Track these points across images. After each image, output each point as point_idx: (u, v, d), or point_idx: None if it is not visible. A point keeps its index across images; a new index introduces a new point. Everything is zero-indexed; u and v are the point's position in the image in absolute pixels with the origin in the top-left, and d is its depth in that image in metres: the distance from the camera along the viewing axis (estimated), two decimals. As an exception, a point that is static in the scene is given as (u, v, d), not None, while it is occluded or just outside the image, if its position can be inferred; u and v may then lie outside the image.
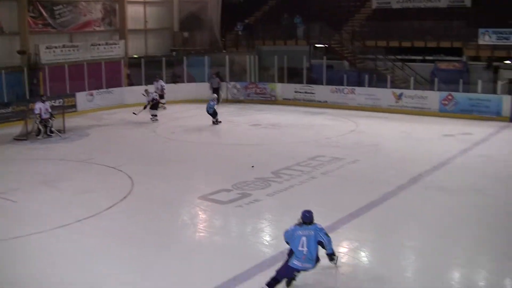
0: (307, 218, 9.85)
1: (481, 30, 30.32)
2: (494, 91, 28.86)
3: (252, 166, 17.52)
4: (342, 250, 11.45)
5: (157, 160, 19.41)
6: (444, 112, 28.63)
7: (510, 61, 31.38)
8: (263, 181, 16.29)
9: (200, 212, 14.32)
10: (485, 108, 28.15)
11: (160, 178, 17.19)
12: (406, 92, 30.14)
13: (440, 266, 10.82)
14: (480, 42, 30.81)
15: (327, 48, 34.89)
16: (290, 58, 33.19)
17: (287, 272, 9.80)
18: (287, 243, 9.83)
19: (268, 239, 12.37)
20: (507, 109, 27.73)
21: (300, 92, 32.69)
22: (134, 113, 27.22)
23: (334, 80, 32.33)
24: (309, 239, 9.68)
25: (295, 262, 9.67)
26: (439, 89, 29.47)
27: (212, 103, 26.20)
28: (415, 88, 30.54)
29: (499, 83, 29.29)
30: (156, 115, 27.17)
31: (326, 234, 9.88)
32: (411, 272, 11.09)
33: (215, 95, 28.60)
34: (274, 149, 21.05)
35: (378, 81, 31.82)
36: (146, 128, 25.42)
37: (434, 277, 10.37)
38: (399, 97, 30.02)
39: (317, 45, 35.82)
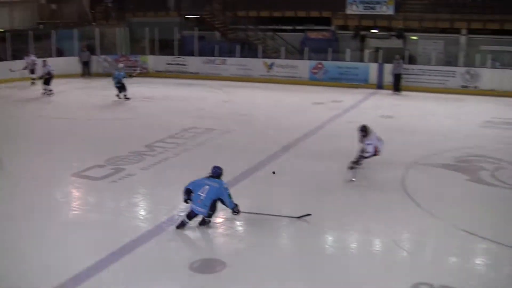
0: (215, 173, 10.98)
1: (348, 0, 31.09)
2: (362, 60, 29.86)
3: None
4: (219, 220, 11.53)
5: (27, 139, 18.66)
6: (314, 80, 29.33)
7: (376, 30, 32.40)
8: (137, 155, 16.10)
9: (73, 190, 13.98)
10: (353, 76, 29.09)
11: (31, 157, 16.63)
12: (277, 61, 30.62)
13: (312, 230, 11.09)
14: (348, 11, 31.62)
15: (198, 19, 34.79)
16: (161, 30, 32.94)
17: (191, 214, 10.94)
18: (188, 190, 10.93)
19: (144, 213, 12.28)
20: (374, 77, 28.79)
21: (172, 64, 32.55)
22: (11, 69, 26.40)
23: (206, 51, 32.41)
24: (210, 189, 10.75)
25: (193, 205, 10.82)
26: (309, 58, 30.11)
27: (118, 73, 25.35)
28: (286, 58, 31.08)
29: (366, 51, 30.33)
30: (51, 90, 26.38)
31: (229, 196, 10.83)
32: (286, 238, 11.31)
33: (122, 65, 27.67)
34: (148, 122, 20.83)
35: (250, 51, 32.11)
36: (17, 105, 24.49)
37: (309, 242, 10.61)
38: (270, 66, 30.45)
39: (188, 16, 35.63)
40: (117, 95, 25.08)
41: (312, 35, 32.95)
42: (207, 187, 10.80)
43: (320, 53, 30.39)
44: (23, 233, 11.08)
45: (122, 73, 25.26)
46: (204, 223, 11.12)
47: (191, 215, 10.97)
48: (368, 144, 13.75)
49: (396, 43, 32.04)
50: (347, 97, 24.92)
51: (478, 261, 10.07)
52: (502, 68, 28.71)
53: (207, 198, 10.77)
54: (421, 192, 13.33)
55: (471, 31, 31.63)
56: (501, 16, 30.80)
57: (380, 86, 28.82)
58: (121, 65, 27.07)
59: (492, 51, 29.61)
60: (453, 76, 28.58)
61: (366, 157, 14.06)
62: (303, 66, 30.04)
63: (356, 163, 14.04)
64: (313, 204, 12.42)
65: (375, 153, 14.05)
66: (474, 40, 31.40)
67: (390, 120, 21.45)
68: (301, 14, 33.77)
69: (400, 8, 32.29)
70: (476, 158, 16.05)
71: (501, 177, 14.59)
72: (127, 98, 25.03)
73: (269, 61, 30.72)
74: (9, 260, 9.81)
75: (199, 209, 10.84)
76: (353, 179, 13.66)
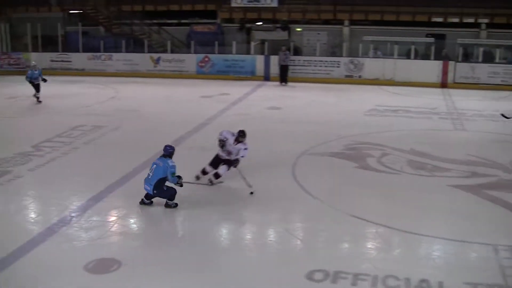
0: (166, 151, 11.71)
1: (233, -7, 31.29)
2: (248, 52, 30.07)
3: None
4: (112, 219, 11.40)
5: None
6: (201, 74, 29.36)
7: (261, 22, 32.77)
8: (23, 156, 15.61)
9: None
10: (240, 68, 29.29)
11: None
12: (163, 56, 30.45)
13: (205, 223, 11.14)
14: (233, 4, 31.80)
15: (81, 14, 34.07)
16: (44, 26, 32.00)
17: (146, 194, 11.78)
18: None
19: (34, 216, 11.96)
20: (260, 69, 29.10)
21: (56, 61, 31.71)
22: None
23: (91, 47, 31.76)
24: (156, 168, 11.49)
25: (144, 184, 11.65)
26: (196, 52, 30.09)
27: (31, 72, 23.37)
28: (172, 52, 30.92)
29: (252, 44, 30.57)
30: None
31: (172, 174, 11.41)
32: (181, 233, 11.31)
33: (35, 62, 25.35)
34: (34, 122, 20.28)
35: (136, 46, 31.77)
36: None
37: (201, 235, 10.63)
38: (156, 61, 30.24)
39: (71, 12, 34.83)
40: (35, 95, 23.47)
41: (198, 28, 32.99)
42: (154, 166, 11.56)
43: (206, 46, 30.44)
44: None
45: (37, 72, 23.45)
46: (168, 205, 11.76)
47: (146, 195, 11.75)
48: (245, 148, 13.57)
49: (281, 35, 32.53)
50: (235, 89, 25.10)
51: (369, 245, 10.37)
52: (384, 58, 29.64)
53: (154, 176, 11.45)
54: (311, 181, 13.62)
55: (353, 22, 32.51)
56: (381, 7, 31.83)
57: (267, 78, 29.16)
58: (34, 62, 25.29)
59: (374, 41, 30.58)
60: (337, 66, 29.28)
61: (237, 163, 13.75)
62: (190, 60, 29.99)
63: (234, 165, 13.67)
64: (206, 196, 12.50)
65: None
66: (357, 30, 32.33)
67: (278, 111, 21.79)
68: (186, 7, 33.67)
69: (284, 0, 32.78)
70: (362, 145, 16.53)
71: (387, 163, 15.10)
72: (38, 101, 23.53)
73: (155, 55, 30.48)
74: None
75: (146, 186, 11.60)
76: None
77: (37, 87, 23.33)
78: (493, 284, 8.84)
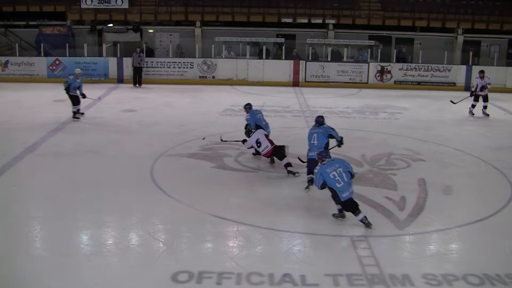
0: (318, 120, 13.63)
1: (83, -6, 30.71)
2: (100, 54, 29.62)
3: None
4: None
5: None
6: (53, 77, 28.56)
7: (112, 24, 32.36)
8: None
9: None
10: (93, 71, 28.80)
11: None
12: (12, 59, 29.38)
13: (65, 229, 10.89)
14: (83, 6, 31.19)
15: None
16: None
17: (311, 163, 13.02)
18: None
19: None
20: (114, 71, 28.75)
21: None
22: None
23: None
24: (318, 135, 13.20)
25: (310, 154, 13.16)
26: (46, 55, 29.27)
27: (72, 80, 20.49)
28: (21, 55, 29.96)
29: (104, 46, 30.13)
30: None
31: (332, 128, 13.46)
32: (40, 242, 10.97)
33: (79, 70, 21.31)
34: None
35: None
36: None
37: (63, 243, 10.39)
38: (5, 65, 29.10)
39: None
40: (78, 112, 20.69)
41: (47, 30, 32.02)
42: (315, 135, 13.30)
43: (57, 49, 29.69)
44: None
45: (79, 80, 20.68)
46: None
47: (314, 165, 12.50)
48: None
49: (133, 36, 32.25)
50: (88, 92, 24.52)
51: (231, 243, 10.51)
52: (236, 58, 30.09)
53: (320, 143, 13.15)
54: (170, 182, 13.67)
55: (204, 23, 32.74)
56: (232, 8, 32.31)
57: (121, 80, 28.86)
58: (78, 69, 21.30)
59: (226, 41, 30.99)
60: (191, 67, 29.40)
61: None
62: (41, 63, 29.07)
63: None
64: (66, 202, 12.27)
65: None
66: (209, 31, 32.57)
67: (133, 113, 21.61)
68: (34, 8, 32.55)
69: (135, 1, 32.53)
70: (219, 145, 16.69)
71: (243, 161, 15.39)
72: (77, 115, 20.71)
73: (3, 59, 29.31)
74: None
75: (313, 153, 12.86)
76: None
77: (76, 100, 20.61)
78: (352, 273, 9.25)
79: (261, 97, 25.27)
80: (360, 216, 11.01)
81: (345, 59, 30.36)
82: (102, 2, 30.99)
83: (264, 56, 30.14)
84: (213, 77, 29.34)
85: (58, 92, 22.72)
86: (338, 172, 11.04)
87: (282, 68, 29.48)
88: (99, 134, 18.49)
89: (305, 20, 32.67)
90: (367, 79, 29.47)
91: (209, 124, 19.95)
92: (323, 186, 11.20)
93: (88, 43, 30.00)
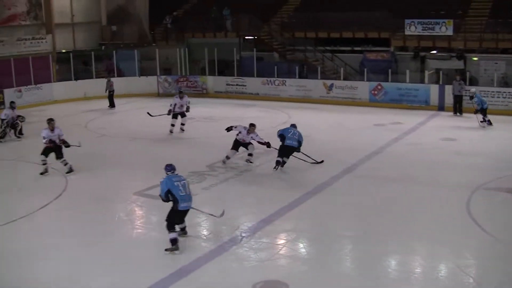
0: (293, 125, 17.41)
1: (406, 21, 30.81)
2: (422, 81, 29.50)
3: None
4: (280, 242, 11.52)
5: (90, 158, 18.66)
6: (374, 102, 29.05)
7: (436, 51, 32.07)
8: (198, 175, 16.21)
9: (136, 208, 14.17)
10: (413, 97, 28.74)
11: (94, 175, 16.88)
12: (336, 82, 30.45)
13: (377, 254, 10.98)
14: (407, 32, 31.33)
15: (256, 40, 34.94)
16: (220, 50, 33.09)
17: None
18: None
19: (206, 233, 12.33)
20: (435, 98, 28.37)
21: (231, 85, 32.64)
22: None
23: (265, 72, 32.39)
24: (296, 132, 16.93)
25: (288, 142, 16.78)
26: (369, 80, 29.89)
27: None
28: (345, 79, 30.93)
29: (427, 72, 29.94)
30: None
31: (300, 135, 16.99)
32: (350, 261, 11.20)
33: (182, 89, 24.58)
34: (209, 142, 20.93)
35: (309, 72, 32.09)
36: (79, 124, 24.82)
37: (371, 265, 10.51)
38: (329, 88, 30.31)
39: (246, 37, 35.82)
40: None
41: (371, 56, 32.73)
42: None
43: (379, 74, 30.18)
44: (89, 251, 11.26)
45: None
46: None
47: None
48: (256, 135, 17.60)
49: (456, 64, 31.56)
50: (408, 118, 24.57)
51: None
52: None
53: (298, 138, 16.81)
54: (486, 216, 13.15)
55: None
56: None
57: (441, 107, 28.40)
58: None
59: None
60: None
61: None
62: (363, 87, 29.77)
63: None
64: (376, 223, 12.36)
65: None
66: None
67: (453, 142, 21.03)
68: (359, 35, 33.54)
69: (460, 28, 31.89)
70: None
71: None
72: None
73: (328, 82, 30.53)
74: (79, 276, 10.01)
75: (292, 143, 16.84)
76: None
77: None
78: None
79: None
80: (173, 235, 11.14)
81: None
82: (426, 29, 30.84)
83: None
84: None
85: (378, 116, 23.14)
86: (182, 183, 11.44)
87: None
88: (413, 162, 18.32)
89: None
90: None
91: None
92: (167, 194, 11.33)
93: (410, 69, 30.02)
